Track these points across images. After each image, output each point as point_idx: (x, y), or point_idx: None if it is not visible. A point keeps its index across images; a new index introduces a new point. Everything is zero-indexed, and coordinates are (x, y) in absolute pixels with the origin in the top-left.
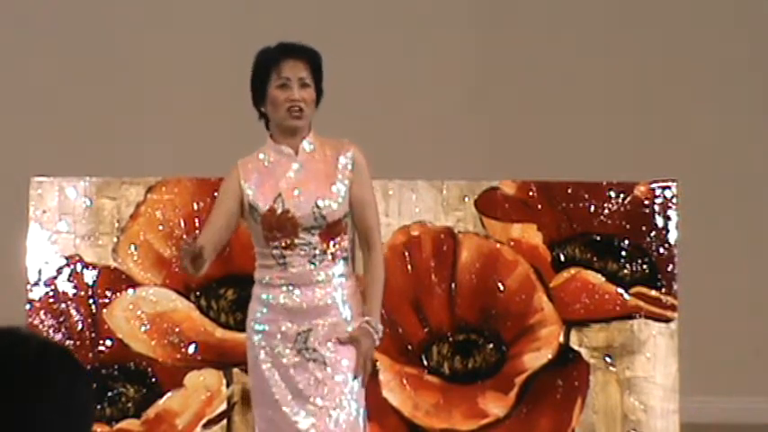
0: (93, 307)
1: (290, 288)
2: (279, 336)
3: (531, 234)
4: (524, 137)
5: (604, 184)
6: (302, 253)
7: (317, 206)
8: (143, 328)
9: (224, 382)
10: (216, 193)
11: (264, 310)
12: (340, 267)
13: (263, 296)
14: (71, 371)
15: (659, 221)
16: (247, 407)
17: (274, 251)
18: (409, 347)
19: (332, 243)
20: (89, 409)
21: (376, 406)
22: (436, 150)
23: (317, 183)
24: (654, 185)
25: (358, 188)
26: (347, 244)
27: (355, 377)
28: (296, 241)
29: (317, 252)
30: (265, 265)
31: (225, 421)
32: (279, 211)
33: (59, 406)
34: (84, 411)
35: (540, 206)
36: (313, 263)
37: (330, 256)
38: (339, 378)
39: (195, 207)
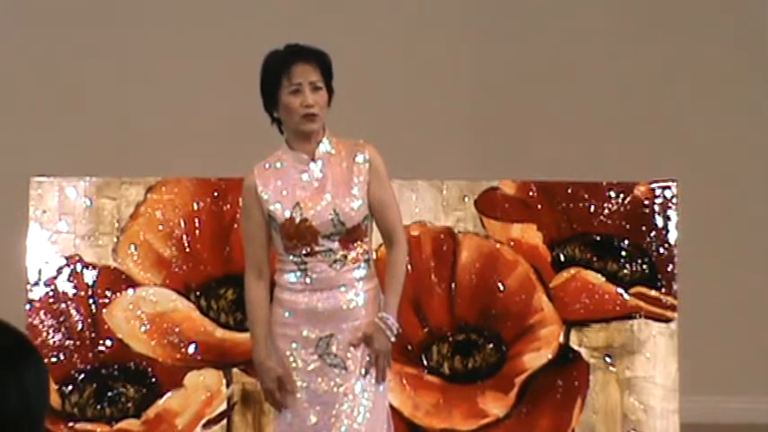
0: (93, 307)
1: (312, 293)
2: (300, 340)
3: (531, 234)
4: (524, 137)
5: (604, 184)
6: (323, 259)
7: (336, 213)
8: (143, 328)
9: (224, 382)
10: (216, 193)
11: (286, 315)
12: (362, 271)
13: (285, 301)
14: (20, 351)
15: (659, 221)
16: (247, 407)
17: (295, 258)
18: (409, 347)
19: (352, 247)
20: (44, 387)
21: None
22: (436, 150)
23: (335, 188)
24: (654, 185)
25: (376, 189)
26: (368, 247)
27: (375, 379)
28: (316, 248)
29: (338, 257)
30: (286, 270)
31: (225, 421)
32: (297, 220)
33: (11, 386)
34: (39, 390)
35: (540, 206)
36: (334, 268)
37: (351, 261)
38: (360, 382)
39: (195, 207)
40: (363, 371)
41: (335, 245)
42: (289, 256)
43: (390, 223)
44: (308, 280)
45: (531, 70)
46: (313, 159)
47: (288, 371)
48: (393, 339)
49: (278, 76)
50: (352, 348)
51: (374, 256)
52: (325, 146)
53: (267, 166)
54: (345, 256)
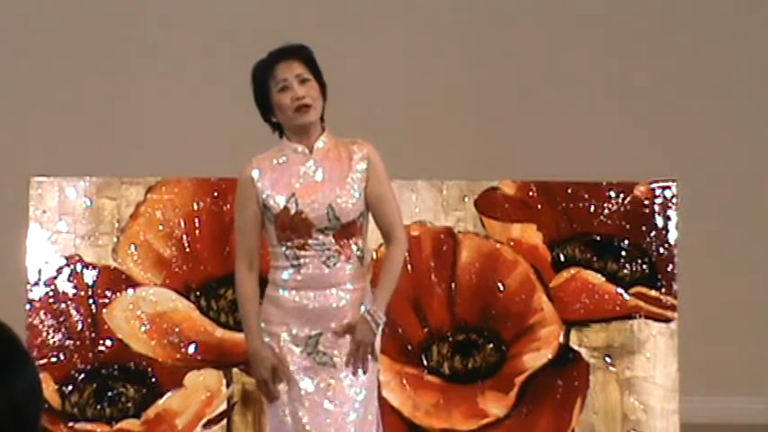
0: (93, 307)
1: (304, 291)
2: (289, 338)
3: (530, 234)
4: (524, 137)
5: (604, 184)
6: (316, 254)
7: (331, 207)
8: (143, 328)
9: (224, 382)
10: (216, 193)
11: (276, 312)
12: (354, 269)
13: (276, 298)
14: (9, 353)
15: (659, 221)
16: (247, 407)
17: (288, 251)
18: (409, 347)
19: (346, 244)
20: (35, 392)
21: None
22: (436, 150)
23: (332, 183)
24: (654, 185)
25: (374, 185)
26: (362, 245)
27: (357, 370)
28: (309, 242)
29: (331, 253)
30: (279, 266)
31: (225, 421)
32: (292, 211)
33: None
34: (29, 395)
35: (540, 206)
36: (327, 264)
37: (344, 258)
38: (348, 378)
39: (195, 207)
40: (351, 367)
41: (329, 239)
42: (281, 247)
43: (389, 219)
44: (299, 277)
45: (531, 70)
46: (311, 154)
47: (282, 361)
48: (377, 331)
49: (265, 79)
50: (340, 346)
51: (374, 255)
52: (323, 141)
53: (265, 158)
54: (339, 252)
